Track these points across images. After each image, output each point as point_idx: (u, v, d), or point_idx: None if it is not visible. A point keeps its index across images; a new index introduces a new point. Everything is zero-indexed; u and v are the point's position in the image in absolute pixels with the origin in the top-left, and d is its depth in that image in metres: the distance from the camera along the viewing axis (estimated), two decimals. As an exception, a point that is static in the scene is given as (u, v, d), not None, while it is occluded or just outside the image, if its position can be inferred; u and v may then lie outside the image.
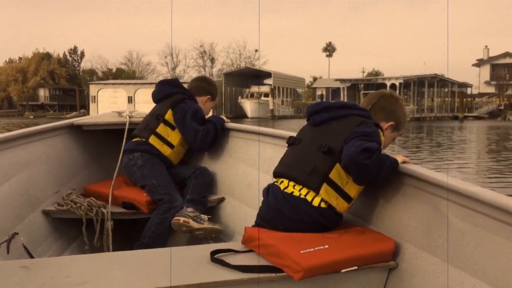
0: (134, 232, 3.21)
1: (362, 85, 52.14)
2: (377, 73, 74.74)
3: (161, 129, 3.24)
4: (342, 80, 52.26)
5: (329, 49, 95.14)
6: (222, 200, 3.29)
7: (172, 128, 3.26)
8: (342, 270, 1.87)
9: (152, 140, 3.21)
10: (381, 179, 2.07)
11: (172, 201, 2.98)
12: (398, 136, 2.41)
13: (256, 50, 78.28)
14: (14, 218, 2.69)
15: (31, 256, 2.49)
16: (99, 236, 2.95)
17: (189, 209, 2.98)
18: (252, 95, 54.78)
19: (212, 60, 78.06)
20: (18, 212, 2.75)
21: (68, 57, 76.93)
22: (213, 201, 3.23)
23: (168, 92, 3.35)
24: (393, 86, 47.18)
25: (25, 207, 2.85)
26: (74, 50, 77.01)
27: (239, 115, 52.99)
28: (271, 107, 50.91)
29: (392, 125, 2.32)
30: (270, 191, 2.21)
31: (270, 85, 54.24)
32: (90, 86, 58.75)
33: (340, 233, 2.07)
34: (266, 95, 53.75)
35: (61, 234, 3.05)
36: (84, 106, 62.05)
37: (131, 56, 79.81)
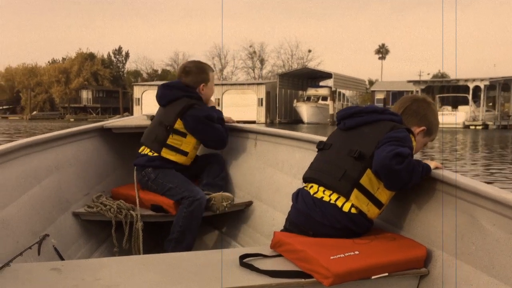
0: (162, 234, 3.25)
1: (437, 88, 45.56)
2: (443, 75, 67.73)
3: (172, 140, 3.26)
4: (416, 82, 46.74)
5: (382, 51, 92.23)
6: (249, 204, 3.36)
7: (184, 135, 3.27)
8: (373, 277, 1.89)
9: (164, 153, 3.26)
10: (413, 184, 2.08)
11: (194, 194, 3.08)
12: (430, 142, 2.42)
13: (310, 51, 73.19)
14: (45, 220, 2.78)
15: (62, 258, 2.58)
16: (128, 238, 3.05)
17: (205, 192, 3.13)
18: (308, 98, 52.25)
19: (262, 61, 76.08)
20: (48, 214, 2.85)
21: (113, 57, 77.91)
22: (240, 204, 3.32)
23: (173, 96, 3.32)
24: (476, 88, 40.33)
25: (56, 209, 2.96)
26: (118, 51, 77.97)
27: (294, 120, 51.51)
28: (331, 111, 48.03)
29: (423, 130, 2.34)
30: (300, 196, 2.26)
31: (330, 87, 49.32)
32: (135, 87, 56.24)
33: (371, 239, 2.10)
34: (324, 98, 51.32)
35: (90, 236, 3.16)
36: (127, 109, 62.28)
37: (177, 57, 79.22)
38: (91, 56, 71.03)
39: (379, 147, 2.09)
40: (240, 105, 50.57)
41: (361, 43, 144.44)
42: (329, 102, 49.42)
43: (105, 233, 3.20)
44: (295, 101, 51.76)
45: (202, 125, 3.27)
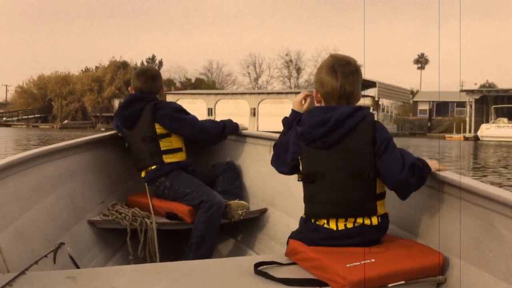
0: (177, 242, 3.36)
1: (492, 98, 42.02)
2: (490, 85, 63.89)
3: (164, 144, 3.36)
4: (470, 92, 42.88)
5: (422, 61, 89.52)
6: (264, 211, 3.40)
7: (169, 135, 3.37)
8: (389, 285, 1.91)
9: (166, 158, 3.35)
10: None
11: (212, 197, 3.14)
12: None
13: (349, 59, 69.32)
14: (61, 228, 2.84)
15: (77, 266, 2.63)
16: (143, 246, 3.14)
17: None
18: None
19: (298, 70, 73.15)
20: (64, 222, 2.91)
21: None
22: (255, 212, 3.37)
23: (137, 111, 3.37)
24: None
25: (71, 217, 3.02)
26: (152, 59, 76.77)
27: None
28: None
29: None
30: (320, 232, 2.15)
31: (372, 97, 45.45)
32: (167, 96, 56.28)
33: (387, 246, 2.12)
34: (367, 108, 45.25)
35: (106, 244, 3.23)
36: None
37: (211, 66, 79.36)
38: (124, 65, 71.37)
39: (384, 159, 2.08)
40: (276, 115, 48.47)
41: (400, 52, 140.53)
42: (372, 112, 46.59)
43: (120, 241, 3.26)
44: (336, 110, 49.64)
45: (174, 118, 3.35)
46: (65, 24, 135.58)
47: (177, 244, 3.36)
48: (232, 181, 3.50)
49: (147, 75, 3.44)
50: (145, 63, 74.64)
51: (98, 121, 65.92)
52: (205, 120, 3.59)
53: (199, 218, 3.12)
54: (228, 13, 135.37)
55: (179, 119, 3.37)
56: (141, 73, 3.45)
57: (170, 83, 73.67)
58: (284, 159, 2.31)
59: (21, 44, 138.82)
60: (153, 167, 3.36)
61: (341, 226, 2.11)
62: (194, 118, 3.46)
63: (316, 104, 2.27)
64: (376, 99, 48.94)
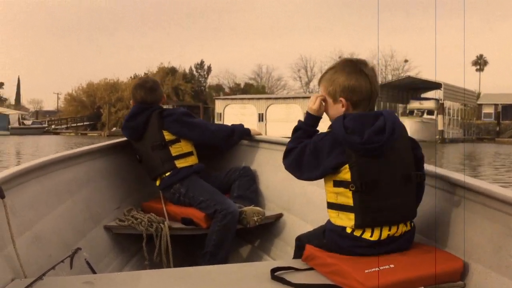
0: (193, 247, 3.44)
1: None
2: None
3: (175, 150, 3.44)
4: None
5: (480, 63, 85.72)
6: (280, 216, 3.43)
7: (178, 140, 3.45)
8: None
9: (179, 163, 3.44)
10: None
11: (227, 207, 3.19)
12: None
13: (406, 61, 66.28)
14: (77, 234, 2.91)
15: (94, 271, 2.67)
16: (159, 251, 3.21)
17: (236, 205, 3.26)
18: (411, 112, 46.92)
19: None
20: (81, 228, 2.98)
21: (194, 72, 77.22)
22: (271, 217, 3.41)
23: (142, 123, 3.48)
24: None
25: (87, 222, 3.09)
26: (200, 65, 74.60)
27: None
28: (440, 127, 43.85)
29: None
30: (352, 239, 2.14)
31: (437, 99, 43.35)
32: (216, 101, 53.26)
33: (406, 252, 2.12)
34: (430, 112, 45.93)
35: (122, 249, 3.31)
36: None
37: (260, 70, 78.32)
38: (172, 71, 71.11)
39: (423, 164, 2.23)
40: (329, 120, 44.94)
41: (457, 54, 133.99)
42: (436, 116, 44.62)
43: (136, 247, 3.32)
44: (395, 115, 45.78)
45: (183, 123, 3.43)
46: (115, 31, 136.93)
47: (192, 249, 3.42)
48: (248, 186, 3.55)
49: (145, 87, 3.54)
50: (194, 69, 74.91)
51: (146, 128, 64.78)
52: (214, 124, 3.76)
53: (213, 227, 3.18)
54: (277, 16, 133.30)
55: (187, 124, 3.47)
56: (139, 86, 3.57)
57: (219, 88, 72.77)
58: (316, 165, 2.20)
59: (72, 52, 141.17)
60: (167, 173, 3.44)
61: (384, 235, 2.11)
62: (202, 122, 3.60)
63: (342, 112, 2.23)
64: (441, 101, 44.86)
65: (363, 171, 2.06)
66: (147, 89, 3.50)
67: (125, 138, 3.78)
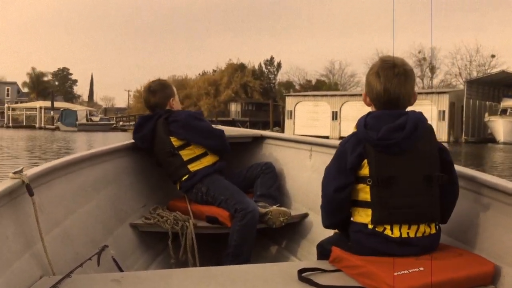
0: (218, 246, 3.46)
1: None
2: None
3: (186, 154, 3.46)
4: None
5: None
6: (305, 216, 3.45)
7: (188, 145, 3.46)
8: None
9: (193, 167, 3.45)
10: None
11: (246, 206, 3.21)
12: None
13: (493, 56, 60.87)
14: (104, 231, 2.95)
15: (120, 269, 2.68)
16: (184, 250, 3.27)
17: (260, 203, 3.30)
18: (504, 111, 42.88)
19: (433, 69, 63.36)
20: (107, 225, 3.03)
21: (264, 68, 75.62)
22: (296, 217, 3.43)
23: (150, 129, 3.51)
24: None
25: (114, 220, 3.14)
26: (270, 61, 72.26)
27: (485, 138, 43.39)
28: None
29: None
30: (376, 236, 2.17)
31: None
32: (287, 98, 51.31)
33: (435, 255, 2.11)
34: None
35: (147, 247, 3.38)
36: (278, 123, 58.21)
37: (333, 66, 74.72)
38: (241, 67, 69.45)
39: (452, 169, 2.22)
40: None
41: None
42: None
43: (162, 245, 3.38)
44: (486, 114, 43.41)
45: (188, 128, 3.44)
46: (184, 27, 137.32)
47: (217, 248, 3.44)
48: (271, 184, 3.53)
49: (148, 90, 3.63)
50: (263, 65, 72.25)
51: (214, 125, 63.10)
52: (218, 128, 3.71)
53: (234, 227, 3.21)
54: (351, 10, 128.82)
55: (193, 128, 3.47)
56: (144, 89, 3.71)
57: (289, 85, 70.29)
58: (344, 168, 2.26)
59: (143, 50, 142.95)
60: (183, 178, 3.50)
61: (404, 233, 2.13)
62: (208, 125, 3.60)
63: (372, 109, 2.32)
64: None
65: (380, 167, 2.12)
66: (150, 91, 3.58)
67: None
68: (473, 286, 1.91)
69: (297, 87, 72.11)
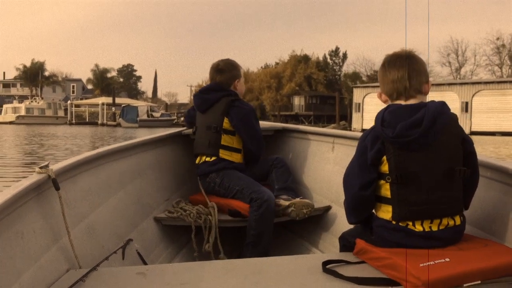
0: (240, 239, 3.52)
1: None
2: None
3: (225, 140, 3.55)
4: None
5: None
6: (328, 208, 3.49)
7: (233, 133, 3.56)
8: (465, 285, 1.88)
9: (223, 154, 3.55)
10: None
11: (261, 195, 3.27)
12: None
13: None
14: (129, 225, 3.02)
15: (144, 262, 2.74)
16: (208, 242, 3.35)
17: (284, 196, 3.35)
18: None
19: None
20: (132, 219, 3.10)
21: (328, 59, 72.91)
22: (319, 209, 3.48)
23: (213, 100, 3.59)
24: None
25: (138, 214, 3.22)
26: (335, 52, 68.50)
27: None
28: None
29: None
30: (400, 232, 2.18)
31: None
32: (354, 90, 48.63)
33: (461, 245, 2.13)
34: None
35: (171, 241, 3.46)
36: (345, 117, 56.11)
37: None
38: (305, 59, 66.48)
39: (475, 160, 2.20)
40: (497, 110, 37.38)
41: None
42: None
43: (185, 238, 3.48)
44: None
45: (245, 120, 3.52)
46: (246, 26, 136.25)
47: (240, 241, 3.50)
48: (286, 177, 3.56)
49: (215, 69, 3.68)
50: (328, 56, 69.33)
51: (277, 120, 63.81)
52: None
53: (251, 217, 3.28)
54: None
55: (248, 123, 3.57)
56: (211, 67, 3.74)
57: (356, 76, 67.05)
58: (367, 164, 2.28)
59: (205, 46, 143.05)
60: (207, 159, 3.60)
61: (426, 228, 2.13)
62: (260, 130, 3.68)
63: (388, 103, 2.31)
64: None
65: (399, 164, 2.12)
66: (217, 69, 3.65)
67: (175, 131, 4.04)
68: (500, 276, 1.89)
69: (364, 78, 69.38)
